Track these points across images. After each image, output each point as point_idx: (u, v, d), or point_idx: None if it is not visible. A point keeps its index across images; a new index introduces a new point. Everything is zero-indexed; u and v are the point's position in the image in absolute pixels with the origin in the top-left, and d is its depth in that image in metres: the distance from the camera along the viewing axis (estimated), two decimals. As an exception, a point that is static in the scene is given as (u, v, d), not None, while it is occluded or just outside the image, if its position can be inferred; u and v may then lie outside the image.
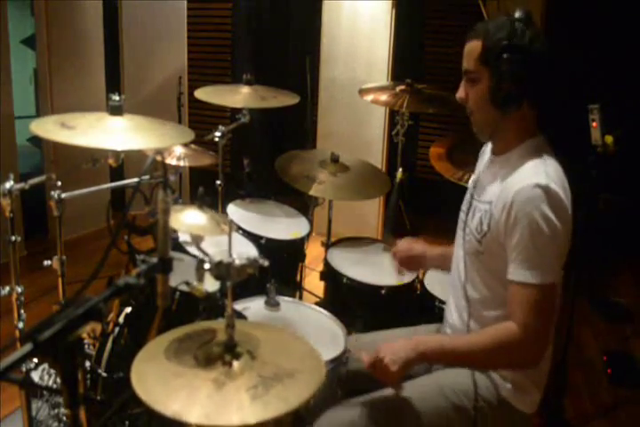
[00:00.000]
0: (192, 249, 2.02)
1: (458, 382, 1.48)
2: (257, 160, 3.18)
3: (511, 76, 1.37)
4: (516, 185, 1.37)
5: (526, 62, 1.37)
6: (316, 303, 2.31)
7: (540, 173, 1.37)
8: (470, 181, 1.70)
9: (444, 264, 1.75)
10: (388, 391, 1.45)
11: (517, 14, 1.40)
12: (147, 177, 1.35)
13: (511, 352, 1.36)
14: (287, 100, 2.56)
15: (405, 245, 1.83)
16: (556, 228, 1.34)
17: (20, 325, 1.77)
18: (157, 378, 1.02)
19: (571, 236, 1.40)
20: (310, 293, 3.10)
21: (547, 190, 1.33)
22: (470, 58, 1.44)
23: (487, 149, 1.66)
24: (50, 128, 1.40)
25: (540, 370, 1.49)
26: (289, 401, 0.96)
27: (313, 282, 3.06)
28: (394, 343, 1.40)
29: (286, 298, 2.02)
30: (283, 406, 0.95)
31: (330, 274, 2.37)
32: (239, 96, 2.53)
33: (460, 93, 1.49)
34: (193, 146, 2.65)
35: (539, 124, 1.48)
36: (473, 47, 1.43)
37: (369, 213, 4.12)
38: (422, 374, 1.56)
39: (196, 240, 1.58)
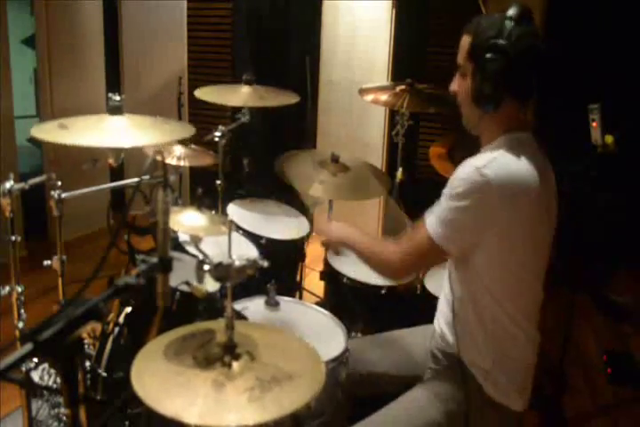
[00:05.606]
0: (192, 249, 2.02)
1: (447, 389, 1.50)
2: (257, 160, 3.17)
3: (491, 76, 1.37)
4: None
5: (507, 63, 1.35)
6: (317, 303, 2.31)
7: (485, 158, 1.37)
8: None
9: None
10: (384, 411, 1.49)
11: (511, 11, 1.37)
12: (147, 177, 1.35)
13: (381, 265, 1.56)
14: (287, 99, 2.57)
15: (323, 227, 1.81)
16: (467, 205, 1.35)
17: (20, 324, 1.77)
18: (157, 378, 1.02)
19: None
20: (310, 292, 3.10)
21: (479, 172, 1.34)
22: (462, 52, 1.45)
23: None
24: (49, 130, 1.40)
25: (521, 370, 1.50)
26: (285, 406, 0.96)
27: (313, 282, 3.05)
28: (331, 223, 1.78)
29: (286, 298, 2.02)
30: (279, 410, 0.95)
31: (330, 274, 2.37)
32: (239, 95, 2.54)
33: (452, 86, 1.51)
34: (193, 146, 2.65)
35: (540, 124, 1.48)
36: (465, 41, 1.44)
37: (369, 213, 4.12)
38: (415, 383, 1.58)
39: (196, 241, 1.58)
